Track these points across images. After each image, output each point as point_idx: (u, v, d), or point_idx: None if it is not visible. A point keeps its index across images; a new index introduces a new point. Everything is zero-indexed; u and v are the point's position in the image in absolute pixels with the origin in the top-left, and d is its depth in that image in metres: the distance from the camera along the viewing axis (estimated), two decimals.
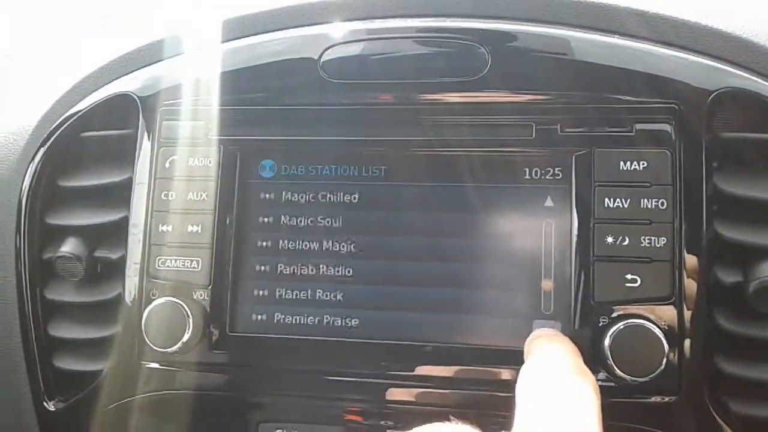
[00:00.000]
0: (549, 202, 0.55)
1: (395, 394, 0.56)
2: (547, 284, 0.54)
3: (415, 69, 0.57)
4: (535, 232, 0.55)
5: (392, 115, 0.57)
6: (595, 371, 0.51)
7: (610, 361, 0.50)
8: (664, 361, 0.49)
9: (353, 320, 0.57)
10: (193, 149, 0.59)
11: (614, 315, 0.51)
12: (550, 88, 0.55)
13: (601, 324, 0.51)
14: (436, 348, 0.55)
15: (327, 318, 0.57)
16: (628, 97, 0.54)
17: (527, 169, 0.56)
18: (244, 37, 0.61)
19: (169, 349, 0.56)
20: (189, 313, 0.56)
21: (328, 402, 0.57)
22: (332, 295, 0.57)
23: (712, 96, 0.53)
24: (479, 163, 0.56)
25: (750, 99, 0.53)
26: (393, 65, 0.57)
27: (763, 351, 0.51)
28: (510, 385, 0.48)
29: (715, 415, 0.51)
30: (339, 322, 0.57)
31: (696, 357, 0.51)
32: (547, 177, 0.55)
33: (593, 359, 0.51)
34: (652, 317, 0.51)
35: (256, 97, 0.59)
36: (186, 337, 0.56)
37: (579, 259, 0.53)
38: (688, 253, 0.52)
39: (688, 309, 0.51)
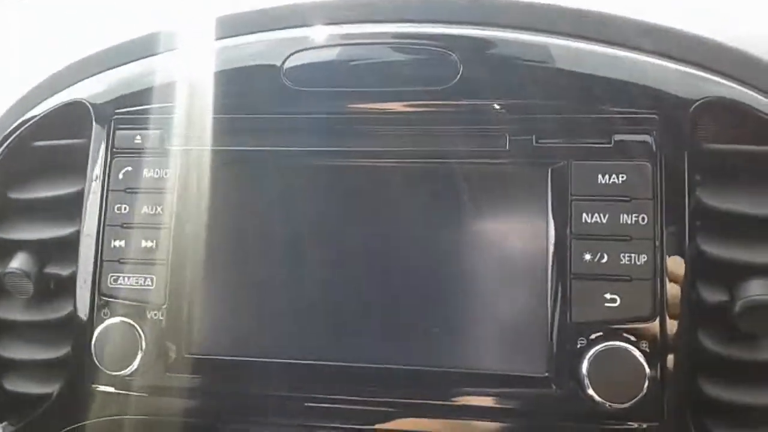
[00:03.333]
0: (528, 217, 0.52)
1: (355, 417, 0.53)
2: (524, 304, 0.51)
3: (383, 77, 0.54)
4: (512, 246, 0.52)
5: (358, 125, 0.54)
6: (572, 396, 0.48)
7: (589, 386, 0.47)
8: (646, 385, 0.46)
9: (315, 341, 0.53)
10: (149, 159, 0.56)
11: (593, 337, 0.49)
12: (524, 96, 0.53)
13: (579, 346, 0.49)
14: (391, 370, 0.52)
15: (288, 339, 0.54)
16: (606, 107, 0.52)
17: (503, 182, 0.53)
18: (205, 42, 0.58)
19: (120, 373, 0.52)
20: (142, 334, 0.53)
21: (295, 428, 0.54)
22: (293, 314, 0.54)
23: (694, 105, 0.51)
24: (452, 176, 0.53)
25: (734, 109, 0.51)
26: (359, 73, 0.54)
27: (748, 373, 0.49)
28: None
29: None
30: (301, 343, 0.53)
31: (679, 380, 0.48)
32: (524, 190, 0.52)
33: (571, 383, 0.48)
34: (632, 339, 0.48)
35: (216, 105, 0.56)
36: (138, 360, 0.52)
37: (556, 277, 0.50)
38: (670, 270, 0.49)
39: (671, 330, 0.48)
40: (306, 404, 0.53)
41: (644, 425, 0.48)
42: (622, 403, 0.47)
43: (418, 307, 0.52)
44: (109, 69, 0.60)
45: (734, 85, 0.51)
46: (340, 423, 0.53)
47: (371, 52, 0.55)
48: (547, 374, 0.50)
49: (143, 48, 0.59)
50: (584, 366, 0.47)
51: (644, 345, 0.48)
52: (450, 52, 0.53)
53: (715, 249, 0.50)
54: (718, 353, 0.49)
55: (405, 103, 0.54)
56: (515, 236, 0.52)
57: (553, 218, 0.51)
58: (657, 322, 0.48)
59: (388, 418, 0.52)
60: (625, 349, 0.47)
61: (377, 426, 0.52)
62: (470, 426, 0.50)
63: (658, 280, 0.49)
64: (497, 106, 0.53)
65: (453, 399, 0.51)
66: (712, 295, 0.49)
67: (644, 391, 0.46)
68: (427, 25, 0.55)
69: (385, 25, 0.56)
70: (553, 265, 0.50)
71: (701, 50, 0.52)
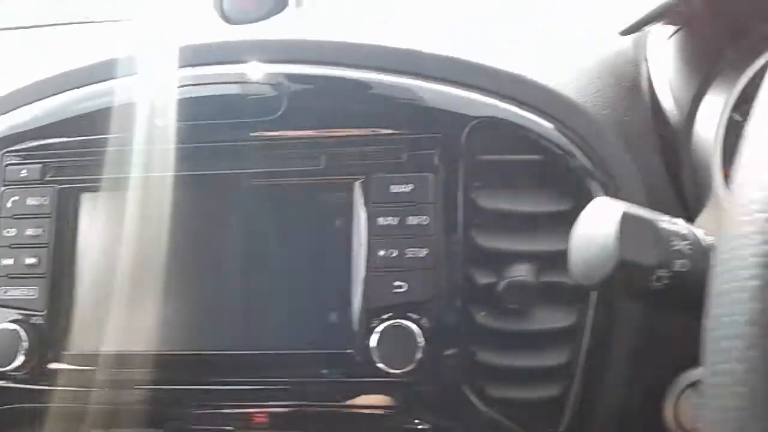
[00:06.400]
0: (338, 222, 0.63)
1: (230, 402, 0.63)
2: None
3: (226, 111, 0.66)
4: (326, 248, 0.63)
5: (211, 152, 0.65)
6: (369, 368, 0.59)
7: (376, 359, 0.58)
8: (419, 355, 0.57)
9: (177, 335, 0.64)
10: (32, 189, 0.67)
11: (384, 317, 0.59)
12: (337, 124, 0.64)
13: (372, 325, 0.59)
14: (236, 356, 0.63)
15: (152, 333, 0.64)
16: (401, 129, 0.63)
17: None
18: (81, 86, 0.70)
19: (6, 369, 0.63)
20: (24, 336, 0.63)
21: (161, 412, 0.65)
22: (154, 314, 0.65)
23: (470, 125, 0.62)
24: (279, 191, 0.65)
25: (501, 125, 0.62)
26: (207, 108, 0.66)
27: (514, 341, 0.59)
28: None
29: (473, 400, 0.59)
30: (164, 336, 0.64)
31: (452, 349, 0.59)
32: (335, 200, 0.64)
33: (363, 360, 0.59)
34: (415, 317, 0.59)
35: (84, 141, 0.67)
36: (21, 356, 0.63)
37: (358, 270, 0.61)
38: (447, 260, 0.60)
39: (446, 308, 0.59)
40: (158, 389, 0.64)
41: (424, 388, 0.59)
42: (401, 369, 0.57)
43: (244, 299, 0.64)
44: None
45: (503, 104, 0.62)
46: (194, 408, 0.64)
47: (216, 90, 0.67)
48: (350, 351, 0.60)
49: (28, 95, 0.71)
50: (373, 342, 0.58)
51: (424, 321, 0.59)
52: (275, 88, 0.64)
53: (485, 240, 0.60)
54: (486, 325, 0.59)
55: (239, 132, 0.65)
56: (326, 238, 0.63)
57: (356, 222, 0.62)
58: (435, 302, 0.59)
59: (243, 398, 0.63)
60: (404, 325, 0.58)
61: (232, 410, 0.63)
62: (285, 393, 0.62)
63: (438, 268, 0.60)
64: (314, 133, 0.64)
65: (268, 377, 0.62)
66: (483, 278, 0.60)
67: (417, 359, 0.57)
68: (262, 65, 0.67)
69: (227, 66, 0.67)
70: (355, 261, 0.61)
71: (476, 74, 0.64)
